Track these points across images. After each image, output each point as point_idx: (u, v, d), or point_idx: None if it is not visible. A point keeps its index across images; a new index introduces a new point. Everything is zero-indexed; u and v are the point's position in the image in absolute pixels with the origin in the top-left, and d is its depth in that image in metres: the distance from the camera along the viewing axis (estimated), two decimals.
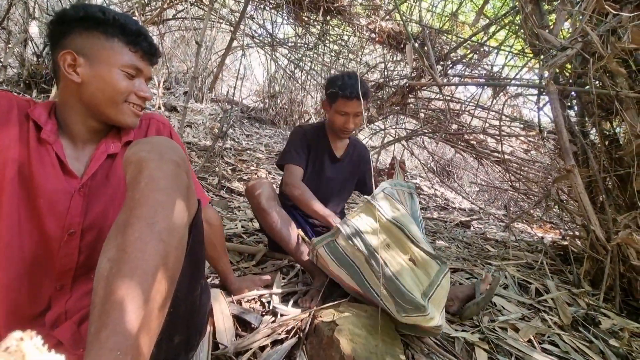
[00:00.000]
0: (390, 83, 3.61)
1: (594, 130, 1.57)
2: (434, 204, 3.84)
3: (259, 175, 3.15)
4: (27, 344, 0.17)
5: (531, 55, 2.19)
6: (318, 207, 1.04)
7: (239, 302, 0.90)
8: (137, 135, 0.72)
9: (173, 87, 4.98)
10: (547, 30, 1.59)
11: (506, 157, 3.40)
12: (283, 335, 0.76)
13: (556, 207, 1.79)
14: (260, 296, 0.94)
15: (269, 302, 0.92)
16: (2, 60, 2.48)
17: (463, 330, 0.93)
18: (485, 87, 3.16)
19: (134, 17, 0.66)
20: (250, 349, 0.73)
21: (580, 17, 1.39)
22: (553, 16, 1.68)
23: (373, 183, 1.42)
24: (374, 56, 4.42)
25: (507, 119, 3.18)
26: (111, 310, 0.35)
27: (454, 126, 3.79)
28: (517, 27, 1.99)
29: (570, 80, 1.54)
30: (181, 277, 0.51)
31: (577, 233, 1.60)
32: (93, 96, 0.62)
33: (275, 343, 0.76)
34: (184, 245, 0.46)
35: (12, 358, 0.16)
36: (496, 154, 3.51)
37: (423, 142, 4.70)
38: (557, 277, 1.47)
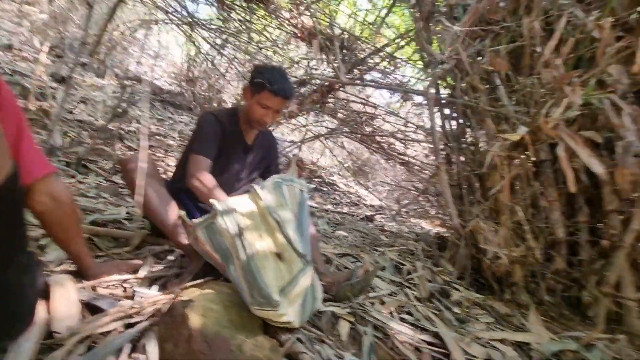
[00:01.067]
0: (312, 81, 3.70)
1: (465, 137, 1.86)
2: (347, 200, 4.07)
3: (167, 163, 2.92)
4: None
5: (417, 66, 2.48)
6: (219, 197, 0.98)
7: (94, 289, 0.81)
8: None
9: (66, 56, 4.26)
10: (433, 47, 1.82)
11: (409, 159, 3.80)
12: (138, 319, 0.71)
13: (433, 200, 2.06)
14: (124, 281, 0.86)
15: (132, 288, 0.85)
16: None
17: (334, 306, 1.00)
18: (395, 94, 3.47)
19: None
20: (90, 336, 0.66)
21: (456, 39, 1.62)
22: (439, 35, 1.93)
23: (276, 171, 1.43)
24: (299, 52, 4.47)
25: (412, 125, 3.55)
26: None
27: (369, 129, 4.08)
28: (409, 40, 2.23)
29: (448, 92, 1.80)
30: None
31: (446, 223, 1.87)
32: None
33: (129, 327, 0.71)
34: None
35: None
36: (402, 157, 3.90)
37: (342, 143, 4.95)
38: (430, 261, 1.69)
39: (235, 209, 0.83)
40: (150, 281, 0.89)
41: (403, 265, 1.48)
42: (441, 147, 1.63)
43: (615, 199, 1.40)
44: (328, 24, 3.02)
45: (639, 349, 1.20)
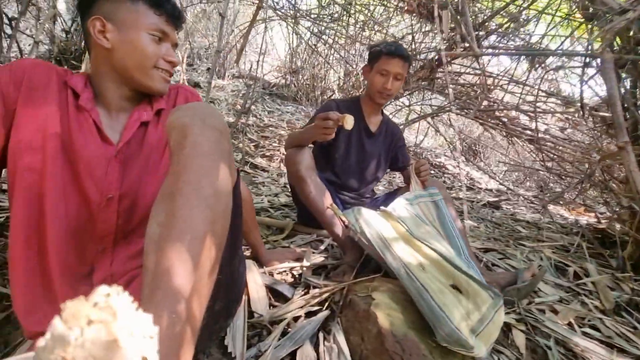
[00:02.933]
0: (418, 56, 3.42)
1: None
2: (459, 184, 3.73)
3: (282, 152, 3.14)
4: (116, 300, 0.16)
5: (576, 23, 1.99)
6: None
7: (271, 274, 0.92)
8: (167, 104, 0.71)
9: (195, 64, 4.97)
10: None
11: (540, 135, 3.21)
12: (316, 307, 0.77)
13: (592, 188, 1.68)
14: (292, 269, 0.95)
15: (300, 275, 0.93)
16: (34, 36, 2.53)
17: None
18: (521, 59, 2.94)
19: None
20: (285, 318, 0.74)
21: None
22: None
23: (406, 158, 1.39)
24: (400, 28, 4.19)
25: (543, 94, 2.96)
26: (163, 274, 0.35)
27: (485, 102, 3.59)
28: None
29: (627, 49, 1.39)
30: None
31: (617, 216, 1.50)
32: (123, 61, 0.62)
33: (308, 314, 0.77)
34: (229, 212, 0.45)
35: (103, 314, 0.15)
36: (528, 132, 3.32)
37: (449, 120, 4.51)
38: (595, 261, 1.40)
39: (372, 223, 0.80)
40: (313, 269, 0.96)
41: (566, 266, 1.25)
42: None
43: None
44: None
45: None
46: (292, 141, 1.12)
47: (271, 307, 0.79)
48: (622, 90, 1.50)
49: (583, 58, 1.59)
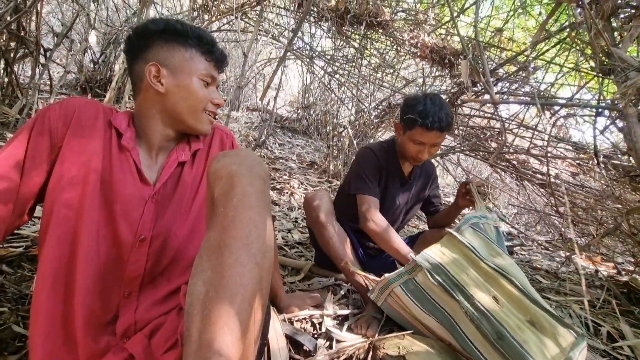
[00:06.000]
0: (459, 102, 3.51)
1: None
2: (504, 228, 3.66)
3: (292, 185, 3.14)
4: None
5: (587, 73, 2.05)
6: (398, 245, 0.95)
7: (290, 322, 0.87)
8: (203, 144, 0.72)
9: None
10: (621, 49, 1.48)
11: (552, 179, 3.20)
12: None
13: (630, 238, 1.63)
14: (311, 316, 0.90)
15: (320, 324, 0.88)
16: (64, 66, 2.67)
17: None
18: (530, 105, 3.01)
19: None
20: None
21: None
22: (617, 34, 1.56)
23: (437, 197, 1.32)
24: (410, 70, 4.37)
25: (554, 139, 2.99)
26: (212, 341, 0.32)
27: (494, 145, 3.63)
28: (575, 44, 1.87)
29: None
30: None
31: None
32: (176, 105, 0.63)
33: None
34: (272, 268, 0.43)
35: None
36: (539, 176, 3.31)
37: (458, 159, 4.54)
38: (624, 319, 1.32)
39: (440, 263, 0.76)
40: (333, 318, 0.91)
41: (597, 325, 1.18)
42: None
43: None
44: (450, 37, 2.84)
45: None
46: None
47: None
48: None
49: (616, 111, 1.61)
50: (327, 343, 0.80)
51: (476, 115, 3.69)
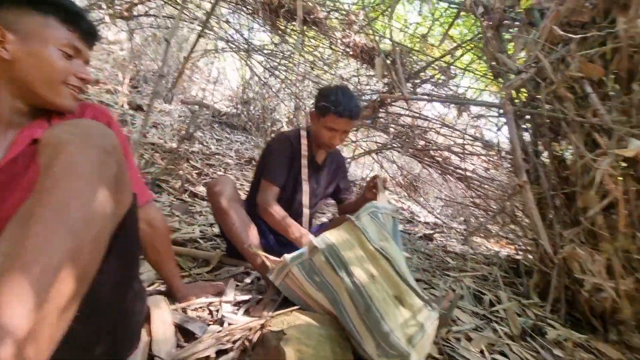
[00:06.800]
0: (363, 97, 3.69)
1: (546, 152, 1.68)
2: (401, 217, 3.92)
3: None
4: None
5: (492, 79, 2.32)
6: (293, 229, 1.01)
7: (184, 311, 0.84)
8: None
9: (141, 86, 4.77)
10: (505, 55, 1.69)
11: (468, 174, 3.57)
12: (228, 345, 0.71)
13: (510, 222, 1.88)
14: (210, 304, 0.88)
15: (217, 311, 0.86)
16: None
17: None
18: (451, 106, 3.32)
19: (101, 10, 0.63)
20: None
21: (535, 45, 1.49)
22: (511, 44, 1.80)
23: (347, 187, 1.40)
24: (348, 70, 4.52)
25: (470, 138, 3.35)
26: None
27: (422, 142, 3.93)
28: (480, 51, 2.11)
29: (525, 103, 1.65)
30: (106, 278, 0.45)
31: (528, 248, 1.68)
32: (27, 74, 0.57)
33: (220, 354, 0.71)
34: (103, 240, 0.40)
35: None
36: (459, 171, 3.68)
37: (392, 157, 4.83)
38: (509, 289, 1.52)
39: (334, 244, 0.80)
40: (233, 305, 0.90)
41: (483, 294, 1.34)
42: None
43: None
44: (379, 39, 3.00)
45: None
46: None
47: (178, 349, 0.71)
48: (528, 139, 1.75)
49: (499, 108, 1.84)
50: (220, 328, 0.79)
51: (406, 115, 3.95)
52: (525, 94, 1.70)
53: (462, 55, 2.91)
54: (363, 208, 0.94)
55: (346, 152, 4.78)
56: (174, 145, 3.34)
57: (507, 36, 1.89)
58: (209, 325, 0.80)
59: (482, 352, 0.94)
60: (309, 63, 3.93)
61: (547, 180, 1.46)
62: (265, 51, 4.03)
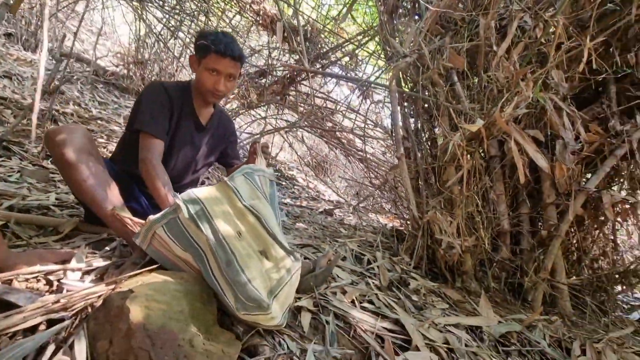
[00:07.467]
0: (273, 72, 3.59)
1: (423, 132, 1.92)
2: (306, 195, 4.04)
3: (109, 150, 2.64)
4: None
5: (383, 60, 2.52)
6: (163, 192, 0.91)
7: (9, 282, 0.68)
8: None
9: None
10: (397, 41, 1.84)
11: (367, 156, 3.88)
12: (62, 314, 0.60)
13: (390, 190, 2.10)
14: (49, 273, 0.73)
15: (59, 280, 0.72)
16: None
17: (297, 299, 0.95)
18: (356, 91, 3.51)
19: None
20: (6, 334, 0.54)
21: (419, 34, 1.65)
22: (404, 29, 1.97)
23: (236, 155, 1.35)
24: (260, 42, 4.32)
25: (372, 122, 3.62)
26: None
27: (329, 124, 4.09)
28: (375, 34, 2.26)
29: (411, 88, 1.84)
30: None
31: (405, 215, 1.92)
32: None
33: (54, 323, 0.60)
34: None
35: None
36: (360, 153, 3.96)
37: (302, 137, 4.90)
38: (387, 252, 1.72)
39: (199, 198, 0.75)
40: (83, 273, 0.77)
41: (363, 255, 1.48)
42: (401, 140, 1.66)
43: (553, 193, 1.54)
44: (292, 12, 2.95)
45: (570, 327, 1.33)
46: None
47: None
48: (413, 120, 1.96)
49: (386, 88, 2.00)
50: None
51: (315, 95, 4.02)
52: (409, 79, 1.89)
53: (367, 42, 3.07)
54: (238, 169, 0.91)
55: (254, 128, 4.64)
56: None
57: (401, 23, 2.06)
58: (42, 296, 0.66)
59: (352, 302, 1.04)
60: (215, 27, 3.61)
61: (422, 156, 1.67)
62: (166, 7, 3.54)
